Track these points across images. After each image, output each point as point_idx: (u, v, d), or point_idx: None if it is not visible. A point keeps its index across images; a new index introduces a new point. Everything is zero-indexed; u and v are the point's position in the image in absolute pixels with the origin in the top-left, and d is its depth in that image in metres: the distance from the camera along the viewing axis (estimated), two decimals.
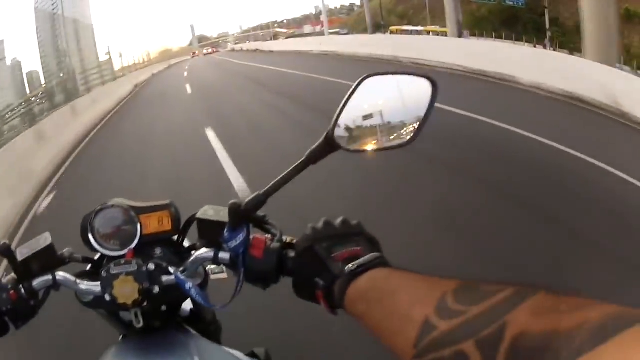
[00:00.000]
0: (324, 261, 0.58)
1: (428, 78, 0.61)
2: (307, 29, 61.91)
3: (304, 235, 0.62)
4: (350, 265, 0.54)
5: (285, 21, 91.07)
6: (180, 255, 0.76)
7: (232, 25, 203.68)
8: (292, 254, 0.64)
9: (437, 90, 0.60)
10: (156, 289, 0.69)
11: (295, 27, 79.80)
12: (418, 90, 0.62)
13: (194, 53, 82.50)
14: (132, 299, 0.69)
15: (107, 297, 0.69)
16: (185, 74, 23.09)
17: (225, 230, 0.66)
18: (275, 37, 67.21)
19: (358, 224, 0.62)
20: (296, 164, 0.64)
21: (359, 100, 0.61)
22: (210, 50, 79.52)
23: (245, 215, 0.66)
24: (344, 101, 0.60)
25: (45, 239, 0.73)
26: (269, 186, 0.65)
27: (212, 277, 0.75)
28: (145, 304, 0.69)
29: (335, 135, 0.61)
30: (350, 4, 77.72)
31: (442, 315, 0.37)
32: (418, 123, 0.62)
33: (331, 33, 48.40)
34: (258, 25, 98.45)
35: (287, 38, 53.31)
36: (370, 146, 0.64)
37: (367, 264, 0.53)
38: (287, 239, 0.67)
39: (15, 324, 0.70)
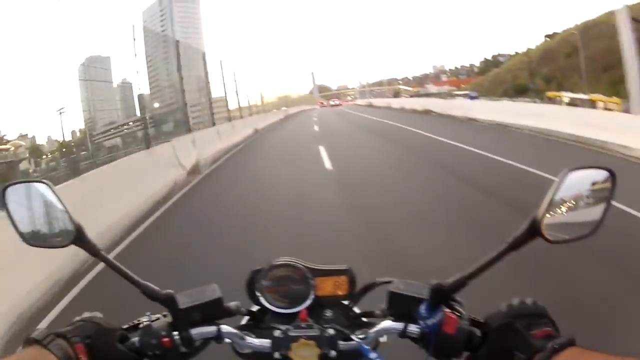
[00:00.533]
0: (525, 336, 0.63)
1: (608, 170, 0.67)
2: (431, 88, 59.08)
3: (499, 312, 0.67)
4: (552, 342, 0.59)
5: (406, 78, 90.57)
6: (350, 319, 0.77)
7: (349, 79, 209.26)
8: (476, 331, 0.68)
9: (615, 181, 0.67)
10: (333, 354, 0.71)
11: (416, 85, 78.22)
12: (601, 183, 0.68)
13: (322, 103, 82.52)
14: None
15: (277, 356, 0.70)
16: (327, 161, 9.27)
17: (423, 306, 0.70)
18: (398, 94, 66.42)
19: (544, 307, 0.67)
20: (498, 249, 0.67)
21: (562, 191, 0.66)
22: (337, 102, 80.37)
23: (446, 295, 0.69)
24: (551, 193, 0.65)
25: (213, 291, 0.74)
26: (470, 270, 0.69)
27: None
28: None
29: (541, 224, 0.64)
30: (470, 64, 74.50)
31: None
32: (601, 212, 0.67)
33: (457, 95, 45.20)
34: (377, 81, 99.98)
35: (411, 96, 51.04)
36: (563, 236, 0.67)
37: (565, 343, 0.58)
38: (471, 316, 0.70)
39: None
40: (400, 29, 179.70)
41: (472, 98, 38.52)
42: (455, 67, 73.83)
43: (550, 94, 29.76)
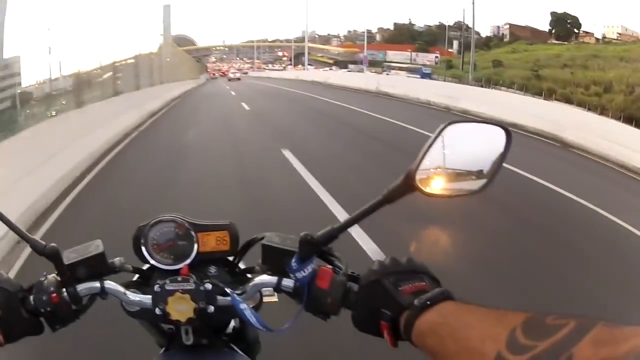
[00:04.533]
0: (391, 293, 0.64)
1: (503, 127, 0.69)
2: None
3: (370, 270, 0.69)
4: (419, 298, 0.60)
5: (277, 41, 77.71)
6: (234, 276, 0.83)
7: (206, 36, 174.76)
8: (354, 287, 0.71)
9: (510, 139, 0.68)
10: (211, 309, 0.75)
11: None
12: (494, 139, 0.69)
13: (213, 73, 59.88)
14: (186, 317, 0.74)
15: (158, 312, 0.74)
16: None
17: (294, 259, 0.72)
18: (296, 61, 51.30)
19: (422, 264, 0.69)
20: (371, 202, 0.70)
21: (440, 145, 0.67)
22: (238, 74, 51.23)
23: (315, 248, 0.72)
24: (427, 145, 0.67)
25: (96, 246, 0.78)
26: (342, 222, 0.72)
27: (264, 299, 0.81)
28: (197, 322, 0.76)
29: (415, 177, 0.67)
30: (366, 29, 65.92)
31: (513, 351, 0.43)
32: (491, 171, 0.69)
33: (393, 68, 34.71)
34: (247, 41, 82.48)
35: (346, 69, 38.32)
36: (445, 191, 0.70)
37: (436, 297, 0.59)
38: (350, 272, 0.73)
39: (52, 326, 0.74)
40: None
41: (424, 76, 35.29)
42: (349, 32, 63.46)
43: None
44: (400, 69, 44.67)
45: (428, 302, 0.58)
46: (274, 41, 77.12)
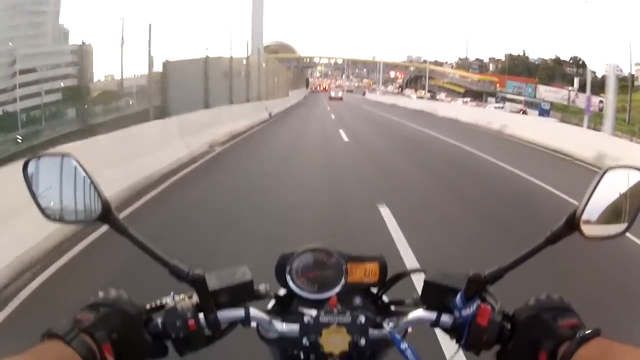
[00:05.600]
0: (551, 326, 0.70)
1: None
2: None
3: (527, 305, 0.74)
4: (580, 332, 0.66)
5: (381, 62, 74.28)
6: (378, 307, 0.82)
7: (305, 47, 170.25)
8: (507, 323, 0.74)
9: None
10: (362, 342, 0.74)
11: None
12: (636, 183, 0.73)
13: (315, 87, 57.02)
14: (340, 350, 0.73)
15: (306, 342, 0.74)
16: None
17: (459, 297, 0.74)
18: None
19: (569, 302, 0.74)
20: (536, 243, 0.73)
21: (600, 189, 0.71)
22: (340, 94, 49.58)
23: (482, 286, 0.74)
24: (590, 190, 0.70)
25: (243, 273, 0.77)
26: (509, 262, 0.74)
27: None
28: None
29: (580, 220, 0.71)
30: (476, 58, 59.76)
31: None
32: (632, 214, 0.73)
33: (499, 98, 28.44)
34: (351, 58, 77.55)
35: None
36: (599, 232, 0.73)
37: (593, 333, 0.66)
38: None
39: (180, 350, 0.72)
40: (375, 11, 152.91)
41: (542, 112, 31.79)
42: (460, 59, 59.10)
43: None
44: (514, 101, 39.62)
45: (585, 337, 0.65)
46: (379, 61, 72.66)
